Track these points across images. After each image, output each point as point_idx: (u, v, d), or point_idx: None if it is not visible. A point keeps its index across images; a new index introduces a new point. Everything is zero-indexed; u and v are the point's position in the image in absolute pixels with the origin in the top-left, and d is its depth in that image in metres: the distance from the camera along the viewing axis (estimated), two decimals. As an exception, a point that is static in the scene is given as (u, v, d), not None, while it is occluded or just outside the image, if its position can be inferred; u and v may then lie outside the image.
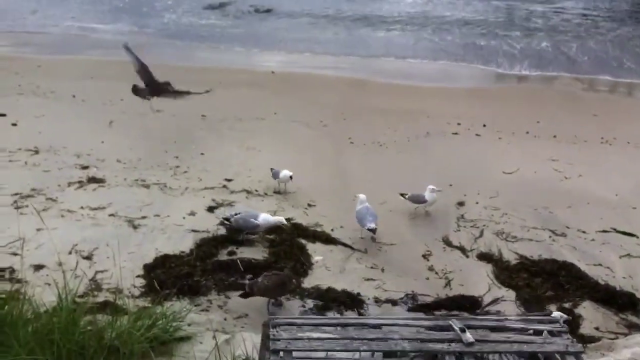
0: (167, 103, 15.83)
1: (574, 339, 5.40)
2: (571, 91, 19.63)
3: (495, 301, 8.37)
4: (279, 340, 5.27)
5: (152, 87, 11.33)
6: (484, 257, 9.44)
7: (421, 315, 5.47)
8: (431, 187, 10.69)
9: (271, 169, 11.26)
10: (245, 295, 7.72)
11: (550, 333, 5.45)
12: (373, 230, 9.52)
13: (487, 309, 8.21)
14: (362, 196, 10.05)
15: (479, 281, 8.85)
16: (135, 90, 11.53)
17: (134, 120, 14.53)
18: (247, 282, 7.74)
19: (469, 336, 5.31)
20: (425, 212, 10.88)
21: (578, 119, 16.68)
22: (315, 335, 5.34)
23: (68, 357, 5.87)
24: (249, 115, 15.32)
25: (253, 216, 9.15)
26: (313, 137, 14.14)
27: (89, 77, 18.16)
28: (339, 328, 5.49)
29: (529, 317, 5.90)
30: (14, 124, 13.47)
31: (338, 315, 6.74)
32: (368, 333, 5.42)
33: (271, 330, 5.40)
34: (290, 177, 10.92)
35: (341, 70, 21.28)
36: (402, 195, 10.86)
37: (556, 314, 6.90)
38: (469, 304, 8.26)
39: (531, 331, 5.51)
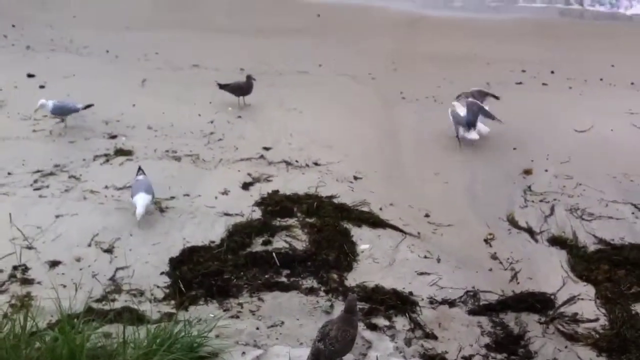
0: (207, 54, 14.91)
1: None
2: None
3: (571, 300, 7.17)
4: None
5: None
6: (557, 241, 8.19)
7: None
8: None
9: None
10: None
11: None
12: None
13: (561, 310, 7.04)
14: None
15: (550, 273, 7.64)
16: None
17: (168, 77, 13.61)
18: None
19: None
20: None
21: (659, 61, 14.90)
22: None
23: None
24: (291, 68, 14.17)
25: None
26: (361, 93, 12.90)
27: (125, 27, 17.25)
28: None
29: None
30: (42, 86, 12.67)
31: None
32: None
33: None
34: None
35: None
36: None
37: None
38: (540, 304, 7.09)
39: None
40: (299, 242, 7.95)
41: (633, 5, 18.66)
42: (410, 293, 7.12)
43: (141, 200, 8.12)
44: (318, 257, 7.66)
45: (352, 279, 7.36)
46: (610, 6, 18.12)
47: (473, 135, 10.54)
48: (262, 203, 8.74)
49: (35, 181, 9.12)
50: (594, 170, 9.76)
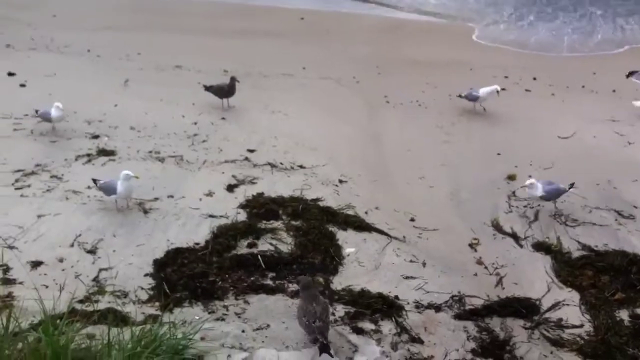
0: (189, 55, 14.81)
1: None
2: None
3: (556, 305, 7.19)
4: None
5: None
6: (541, 247, 8.22)
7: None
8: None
9: (36, 111, 10.42)
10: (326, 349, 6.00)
11: None
12: None
13: (546, 315, 7.06)
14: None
15: (535, 279, 7.66)
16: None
17: (151, 78, 13.51)
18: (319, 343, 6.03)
19: None
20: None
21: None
22: None
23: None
24: (275, 71, 14.13)
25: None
26: (345, 96, 12.92)
27: (107, 27, 17.10)
28: None
29: None
30: (23, 85, 12.51)
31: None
32: None
33: None
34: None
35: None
36: None
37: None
38: (526, 309, 7.10)
39: None
40: (284, 244, 7.89)
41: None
42: (396, 297, 7.09)
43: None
44: (304, 260, 7.61)
45: (338, 283, 7.31)
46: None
47: None
48: (247, 205, 8.67)
49: (17, 180, 8.97)
50: (578, 176, 9.75)
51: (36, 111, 10.45)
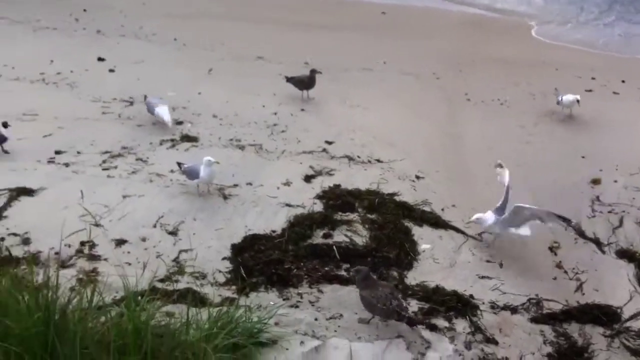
0: (271, 47, 15.02)
1: None
2: None
3: (638, 314, 6.94)
4: None
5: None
6: (625, 254, 7.94)
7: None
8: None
9: (145, 97, 10.86)
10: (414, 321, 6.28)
11: None
12: None
13: (628, 324, 6.82)
14: None
15: (617, 286, 7.41)
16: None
17: (233, 68, 13.77)
18: (406, 315, 6.20)
19: None
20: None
21: None
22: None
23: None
24: (355, 65, 14.17)
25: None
26: (425, 92, 12.80)
27: (192, 16, 17.59)
28: None
29: None
30: (112, 70, 13.00)
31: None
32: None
33: None
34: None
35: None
36: None
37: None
38: (606, 317, 6.88)
39: None
40: (359, 237, 7.89)
41: None
42: (471, 296, 6.99)
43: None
44: (378, 253, 7.59)
45: (412, 278, 7.28)
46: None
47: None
48: (323, 196, 8.71)
49: (104, 161, 9.32)
50: (666, 183, 9.43)
51: (145, 97, 10.86)
